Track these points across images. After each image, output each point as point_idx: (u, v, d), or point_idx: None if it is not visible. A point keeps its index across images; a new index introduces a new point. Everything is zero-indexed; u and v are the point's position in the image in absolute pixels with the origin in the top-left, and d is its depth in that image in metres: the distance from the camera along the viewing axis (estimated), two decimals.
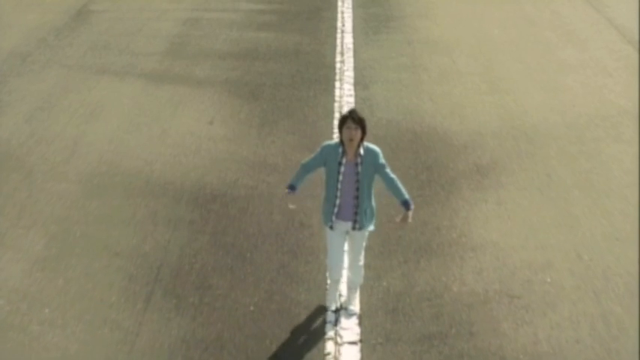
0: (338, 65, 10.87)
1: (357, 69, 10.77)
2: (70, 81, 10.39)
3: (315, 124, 9.17)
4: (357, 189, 5.59)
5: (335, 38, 11.95)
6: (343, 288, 6.28)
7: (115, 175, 8.07)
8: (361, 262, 6.00)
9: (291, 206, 5.99)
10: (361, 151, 5.53)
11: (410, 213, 5.82)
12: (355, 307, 6.23)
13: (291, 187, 5.84)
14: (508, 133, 9.07)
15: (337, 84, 10.28)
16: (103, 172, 8.13)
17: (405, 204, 5.77)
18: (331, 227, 5.74)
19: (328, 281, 6.23)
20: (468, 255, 6.85)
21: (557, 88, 10.36)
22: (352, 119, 5.44)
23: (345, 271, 6.17)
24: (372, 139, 8.38)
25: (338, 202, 5.63)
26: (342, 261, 6.00)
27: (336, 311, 6.18)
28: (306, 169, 5.81)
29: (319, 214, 7.25)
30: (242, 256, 6.80)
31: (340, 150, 5.52)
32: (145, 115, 9.40)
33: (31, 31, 12.31)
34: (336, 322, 6.07)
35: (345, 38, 11.96)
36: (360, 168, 5.54)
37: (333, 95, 9.90)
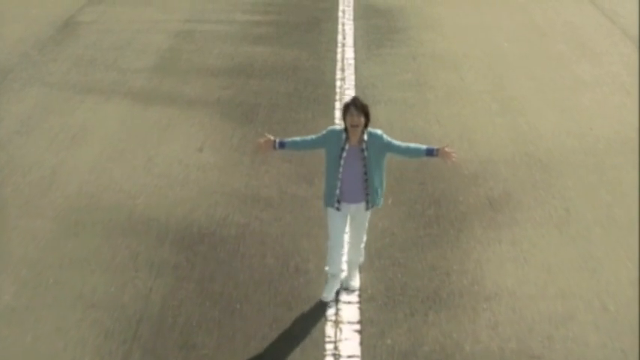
0: (338, 83, 10.20)
1: (358, 87, 10.10)
2: (52, 101, 9.73)
3: (313, 150, 8.47)
4: (366, 172, 5.71)
5: (335, 52, 11.29)
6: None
7: (95, 210, 7.41)
8: (363, 244, 6.10)
9: (261, 141, 5.94)
10: (365, 136, 5.65)
11: (442, 149, 5.83)
12: (356, 283, 6.27)
13: (281, 145, 5.92)
14: (521, 160, 8.40)
15: (337, 104, 9.59)
16: (82, 206, 7.46)
17: (430, 152, 5.86)
18: (338, 209, 5.82)
19: (327, 268, 6.14)
20: (482, 306, 6.17)
21: (573, 108, 9.69)
22: (355, 106, 5.58)
23: (344, 258, 6.24)
24: None
25: (339, 184, 5.74)
26: (342, 248, 6.06)
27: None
28: (307, 143, 5.95)
29: (316, 257, 6.73)
30: (231, 307, 6.12)
31: (344, 136, 5.63)
32: (131, 140, 8.73)
33: (14, 44, 11.65)
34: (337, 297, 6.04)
35: (346, 52, 11.29)
36: (366, 153, 5.65)
37: (332, 117, 9.21)
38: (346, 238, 6.27)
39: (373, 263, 6.61)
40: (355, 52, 11.31)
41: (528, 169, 8.21)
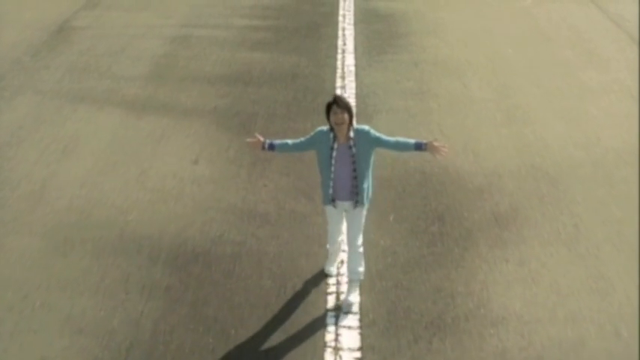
0: (338, 91, 9.89)
1: (359, 96, 9.80)
2: (44, 110, 9.44)
3: (313, 163, 8.00)
4: (355, 170, 5.73)
5: (335, 59, 10.98)
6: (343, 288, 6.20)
7: (85, 227, 7.12)
8: (360, 249, 6.00)
9: (250, 140, 6.03)
10: (351, 133, 5.66)
11: (431, 143, 5.76)
12: (354, 298, 6.14)
13: (271, 146, 5.96)
14: (528, 172, 8.11)
15: None
16: (72, 223, 7.18)
17: (419, 146, 5.81)
18: (334, 206, 5.90)
19: (328, 246, 6.30)
20: (488, 331, 5.88)
21: (580, 117, 9.39)
22: (337, 105, 5.59)
23: (345, 258, 6.29)
24: (376, 180, 7.52)
25: (332, 183, 5.78)
26: (341, 232, 6.19)
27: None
28: (297, 147, 5.99)
29: (315, 278, 6.45)
30: (225, 333, 5.83)
31: (331, 135, 5.67)
32: (123, 151, 8.44)
33: (6, 50, 11.37)
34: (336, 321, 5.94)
35: (347, 59, 10.99)
36: (354, 150, 5.66)
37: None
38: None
39: (375, 285, 6.32)
40: (356, 58, 11.01)
41: (535, 183, 7.92)
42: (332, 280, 6.40)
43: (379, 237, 6.96)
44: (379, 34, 12.02)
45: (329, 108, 5.63)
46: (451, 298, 6.22)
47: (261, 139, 5.94)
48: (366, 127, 5.76)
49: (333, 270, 6.46)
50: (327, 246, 6.33)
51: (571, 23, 12.75)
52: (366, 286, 6.26)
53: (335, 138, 5.68)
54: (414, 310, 6.08)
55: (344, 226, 6.18)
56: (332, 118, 5.61)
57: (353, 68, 10.61)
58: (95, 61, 10.93)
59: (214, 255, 6.73)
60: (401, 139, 5.95)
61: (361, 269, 6.03)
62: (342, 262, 6.50)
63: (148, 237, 6.96)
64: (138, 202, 7.52)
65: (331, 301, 6.14)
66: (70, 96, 9.84)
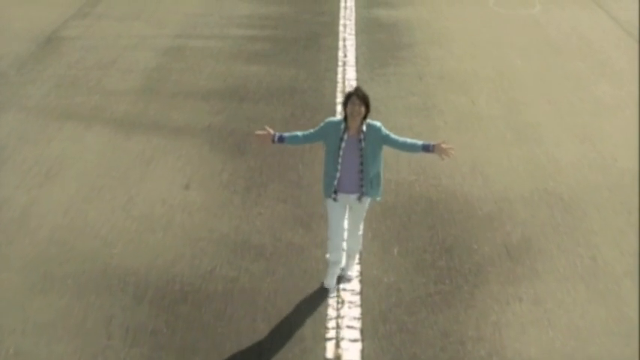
0: (339, 108, 9.38)
1: None
2: (28, 128, 8.94)
3: (311, 188, 7.70)
4: (362, 163, 5.72)
5: (335, 72, 10.47)
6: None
7: (67, 261, 6.62)
8: (360, 232, 6.13)
9: (260, 133, 5.96)
10: (364, 127, 5.68)
11: (439, 145, 5.77)
12: (352, 272, 6.33)
13: (280, 139, 5.92)
14: (541, 198, 7.61)
15: None
16: (53, 256, 6.68)
17: (426, 147, 5.81)
18: (334, 199, 5.84)
19: (327, 256, 6.20)
20: None
21: (594, 135, 8.89)
22: (357, 96, 5.61)
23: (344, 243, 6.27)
24: (379, 207, 7.04)
25: (338, 175, 5.75)
26: (342, 236, 6.11)
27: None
28: (306, 138, 5.95)
29: (313, 321, 5.95)
30: None
31: (343, 126, 5.67)
32: (110, 175, 7.94)
33: None
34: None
35: (348, 72, 10.47)
36: (363, 144, 5.67)
37: None
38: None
39: (378, 329, 5.81)
40: (357, 71, 10.50)
41: (549, 210, 7.42)
42: (331, 324, 5.89)
43: (382, 273, 6.46)
44: (381, 45, 11.51)
45: (348, 98, 5.66)
46: (461, 345, 5.71)
47: (271, 131, 5.91)
48: (378, 124, 5.76)
49: (332, 283, 6.24)
50: (327, 255, 6.20)
51: (581, 32, 12.25)
52: (368, 330, 5.76)
53: (346, 129, 5.68)
54: (420, 358, 5.57)
55: (345, 233, 6.18)
56: (349, 108, 5.63)
57: (354, 82, 10.08)
58: (84, 75, 10.42)
59: (204, 293, 6.23)
60: (409, 140, 5.93)
61: (359, 247, 6.26)
62: (341, 270, 6.35)
63: (134, 272, 6.46)
64: (124, 232, 7.02)
65: (330, 349, 5.63)
66: (57, 113, 9.33)
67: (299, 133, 5.98)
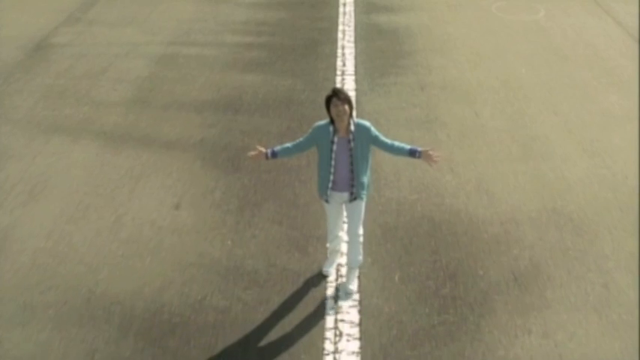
0: None
1: None
2: (13, 143, 8.57)
3: (308, 207, 7.33)
4: (352, 163, 5.71)
5: (334, 82, 10.07)
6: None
7: (48, 289, 6.25)
8: (360, 238, 6.02)
9: (252, 154, 5.91)
10: (352, 127, 5.65)
11: (426, 152, 5.76)
12: (353, 286, 6.24)
13: (273, 154, 5.90)
14: (549, 219, 7.23)
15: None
16: (34, 284, 6.31)
17: (413, 152, 5.80)
18: (327, 200, 5.90)
19: (328, 245, 6.28)
20: None
21: (604, 150, 8.51)
22: (337, 97, 5.56)
23: (345, 248, 6.36)
24: (380, 229, 6.74)
25: (332, 177, 5.77)
26: (340, 228, 6.20)
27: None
28: (298, 148, 5.90)
29: (309, 355, 5.59)
30: None
31: (331, 128, 5.65)
32: (97, 193, 7.57)
33: None
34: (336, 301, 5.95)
35: (346, 82, 10.08)
36: (352, 144, 5.66)
37: None
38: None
39: None
40: (356, 81, 10.10)
41: (558, 232, 7.05)
42: (329, 359, 5.53)
43: (383, 302, 6.09)
44: (382, 53, 11.12)
45: (329, 101, 5.61)
46: None
47: (262, 150, 5.90)
48: (367, 123, 5.73)
49: (330, 271, 6.37)
50: (327, 244, 6.31)
51: (587, 39, 11.86)
52: None
53: (335, 131, 5.66)
54: None
55: (344, 224, 6.29)
56: (332, 110, 5.59)
57: (353, 93, 9.69)
58: (73, 85, 10.04)
59: (194, 325, 5.86)
60: (397, 143, 5.85)
61: (360, 257, 6.09)
62: (343, 282, 6.32)
63: (120, 302, 6.10)
64: (110, 256, 6.65)
65: None
66: (43, 125, 8.96)
67: (289, 145, 5.93)
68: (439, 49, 11.28)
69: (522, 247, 6.83)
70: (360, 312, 6.00)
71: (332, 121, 5.66)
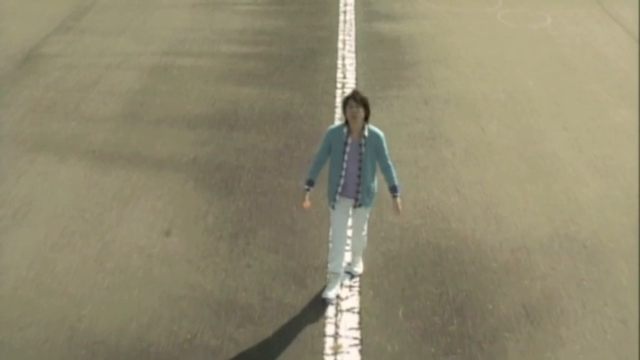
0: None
1: None
2: None
3: (306, 234, 6.93)
4: (360, 168, 5.73)
5: (334, 95, 9.67)
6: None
7: (29, 325, 5.84)
8: (364, 232, 6.17)
9: (306, 204, 5.87)
10: (365, 132, 5.70)
11: (398, 200, 5.93)
12: (359, 269, 6.35)
13: (310, 183, 5.86)
14: (561, 246, 6.83)
15: None
16: (13, 319, 5.90)
17: (393, 189, 5.91)
18: (333, 207, 5.88)
19: (329, 265, 6.09)
20: None
21: (616, 169, 8.11)
22: (354, 99, 5.63)
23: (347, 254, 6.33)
24: (382, 258, 6.39)
25: (342, 181, 5.77)
26: (344, 242, 6.02)
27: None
28: (321, 159, 5.86)
29: None
30: None
31: (345, 130, 5.68)
32: (84, 218, 7.17)
33: None
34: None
35: None
36: (363, 149, 5.68)
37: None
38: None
39: None
40: None
41: (571, 260, 6.64)
42: None
43: (386, 340, 5.69)
44: (383, 64, 10.71)
45: (345, 102, 5.67)
46: None
47: (306, 196, 5.89)
48: (381, 133, 5.79)
49: (332, 296, 6.04)
50: (328, 266, 6.09)
51: (596, 48, 11.46)
52: None
53: (349, 133, 5.68)
54: None
55: (348, 239, 6.25)
56: (348, 111, 5.64)
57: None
58: (62, 98, 9.64)
59: None
60: (391, 170, 5.89)
61: (364, 245, 6.25)
62: (348, 265, 6.34)
63: (103, 340, 5.69)
64: (95, 288, 6.25)
65: None
66: (29, 143, 8.55)
67: (314, 164, 5.88)
68: (443, 60, 10.88)
69: (534, 277, 6.43)
70: (361, 352, 5.59)
71: (347, 123, 5.69)
